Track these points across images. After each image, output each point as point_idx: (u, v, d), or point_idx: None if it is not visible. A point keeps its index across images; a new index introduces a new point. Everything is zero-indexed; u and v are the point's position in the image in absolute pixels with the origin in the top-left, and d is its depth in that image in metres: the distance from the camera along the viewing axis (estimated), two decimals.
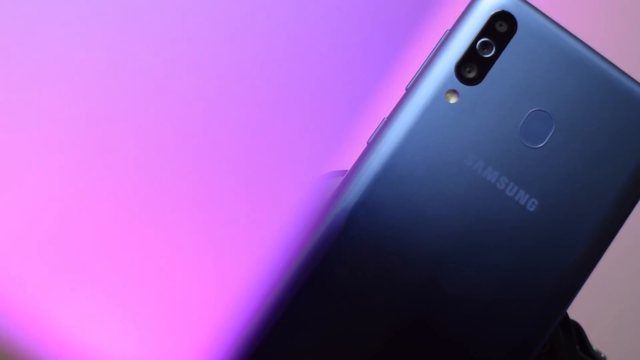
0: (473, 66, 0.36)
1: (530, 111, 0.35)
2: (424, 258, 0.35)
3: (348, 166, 0.36)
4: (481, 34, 0.36)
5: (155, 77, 0.47)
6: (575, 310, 0.40)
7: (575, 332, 0.39)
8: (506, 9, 0.36)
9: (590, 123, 0.36)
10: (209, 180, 0.46)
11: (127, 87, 0.47)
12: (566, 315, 0.37)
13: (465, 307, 0.35)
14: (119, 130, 0.47)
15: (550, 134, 0.35)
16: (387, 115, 0.36)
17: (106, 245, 0.46)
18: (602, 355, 0.40)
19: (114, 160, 0.47)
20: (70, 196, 0.46)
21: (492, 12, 0.36)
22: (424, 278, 0.35)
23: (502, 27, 0.36)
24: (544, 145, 0.35)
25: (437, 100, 0.35)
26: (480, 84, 0.36)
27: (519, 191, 0.35)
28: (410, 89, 0.36)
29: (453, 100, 0.35)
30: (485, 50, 0.36)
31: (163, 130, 0.47)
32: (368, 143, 0.35)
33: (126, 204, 0.46)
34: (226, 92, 0.47)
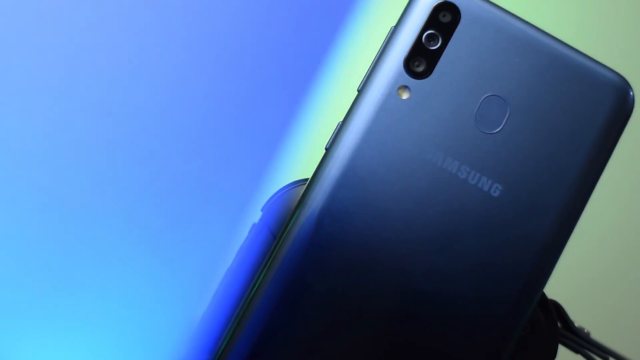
0: (421, 60, 0.36)
1: (483, 97, 0.36)
2: (395, 256, 0.35)
3: (309, 174, 0.36)
4: (426, 26, 0.36)
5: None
6: (554, 289, 0.40)
7: (556, 311, 0.39)
8: None
9: (545, 101, 0.36)
10: (165, 194, 0.46)
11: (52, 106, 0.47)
12: (544, 296, 0.37)
13: (442, 299, 0.34)
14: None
15: (506, 118, 0.35)
16: (341, 119, 0.36)
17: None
18: (586, 331, 0.40)
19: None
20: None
21: (435, 4, 0.36)
22: (398, 276, 0.35)
23: (445, 18, 0.36)
24: (501, 129, 0.35)
25: (390, 97, 0.35)
26: (431, 76, 0.36)
27: (481, 178, 0.35)
28: (361, 90, 0.36)
29: (405, 96, 0.35)
30: (432, 43, 0.36)
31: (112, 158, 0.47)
32: (326, 149, 0.35)
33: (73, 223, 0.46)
34: (171, 101, 0.47)
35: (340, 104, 0.37)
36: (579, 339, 0.40)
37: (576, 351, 0.40)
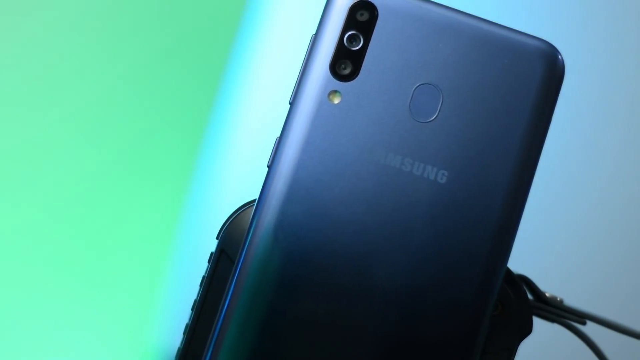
0: (346, 62, 0.36)
1: (414, 88, 0.36)
2: (354, 259, 0.35)
3: (256, 194, 0.36)
4: (345, 28, 0.36)
5: None
6: (521, 263, 0.40)
7: (525, 284, 0.39)
8: None
9: (476, 81, 0.36)
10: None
11: None
12: (509, 272, 0.37)
13: (408, 293, 0.34)
14: None
15: (439, 104, 0.36)
16: (278, 135, 0.36)
17: None
18: (559, 299, 0.40)
19: None
20: None
21: (350, 5, 0.36)
22: (360, 278, 0.35)
23: (363, 16, 0.36)
24: (437, 116, 0.35)
25: (322, 105, 0.35)
26: (358, 77, 0.36)
27: (425, 168, 0.35)
28: (293, 103, 0.36)
29: (337, 100, 0.35)
30: (354, 43, 0.36)
31: None
32: (268, 167, 0.35)
33: None
34: None
35: (275, 119, 0.37)
36: (553, 308, 0.40)
37: (552, 320, 0.40)
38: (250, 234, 0.35)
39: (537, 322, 0.38)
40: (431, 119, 0.35)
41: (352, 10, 0.36)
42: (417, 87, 0.36)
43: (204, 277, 0.37)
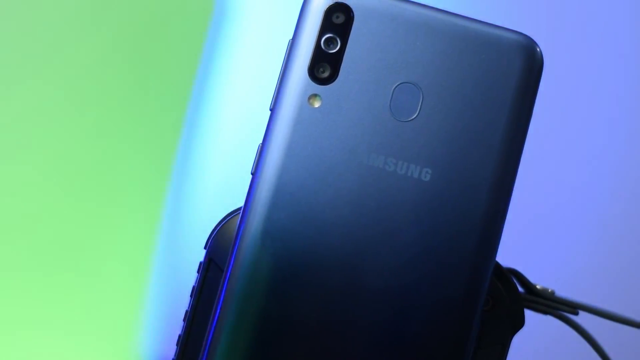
0: (325, 65, 0.36)
1: (394, 88, 0.36)
2: (343, 261, 0.35)
3: (242, 202, 0.36)
4: (322, 32, 0.36)
5: None
6: (510, 256, 0.40)
7: (515, 277, 0.39)
8: None
9: (455, 77, 0.36)
10: None
11: None
12: (499, 266, 0.37)
13: (398, 293, 0.34)
14: None
15: (420, 102, 0.36)
16: (261, 141, 0.36)
17: None
18: (550, 291, 0.40)
19: None
20: None
21: (325, 8, 0.36)
22: (349, 280, 0.35)
23: (339, 19, 0.36)
24: (417, 114, 0.35)
25: (302, 109, 0.35)
26: (337, 79, 0.36)
27: (409, 166, 0.35)
28: (273, 108, 0.36)
29: (317, 104, 0.35)
30: (331, 46, 0.36)
31: None
32: (252, 174, 0.35)
33: None
34: None
35: (257, 126, 0.37)
36: (544, 300, 0.40)
37: (544, 312, 0.40)
38: (238, 242, 0.35)
39: (529, 314, 0.39)
40: (412, 117, 0.35)
41: (328, 14, 0.36)
42: (396, 86, 0.36)
43: (194, 287, 0.37)
